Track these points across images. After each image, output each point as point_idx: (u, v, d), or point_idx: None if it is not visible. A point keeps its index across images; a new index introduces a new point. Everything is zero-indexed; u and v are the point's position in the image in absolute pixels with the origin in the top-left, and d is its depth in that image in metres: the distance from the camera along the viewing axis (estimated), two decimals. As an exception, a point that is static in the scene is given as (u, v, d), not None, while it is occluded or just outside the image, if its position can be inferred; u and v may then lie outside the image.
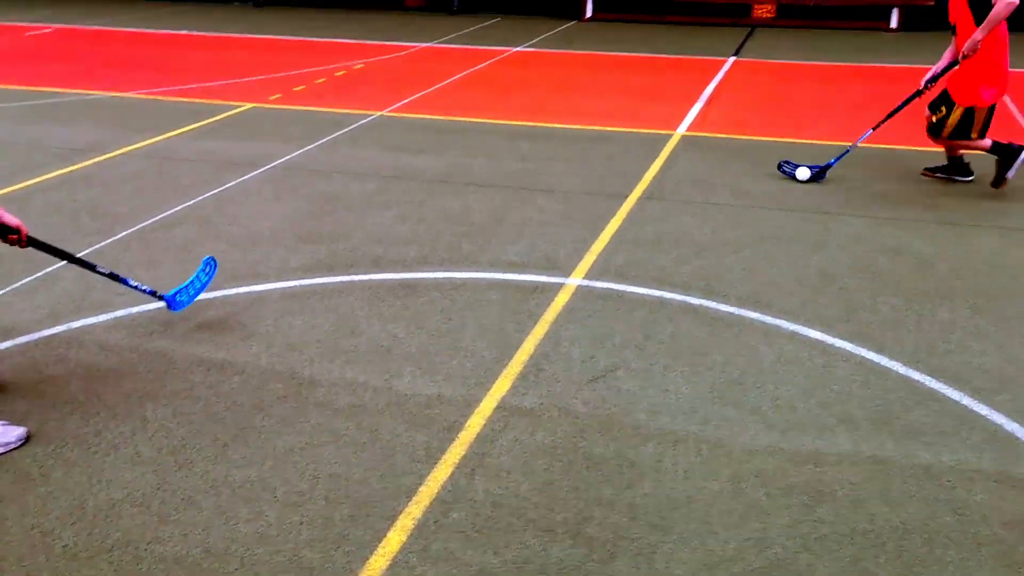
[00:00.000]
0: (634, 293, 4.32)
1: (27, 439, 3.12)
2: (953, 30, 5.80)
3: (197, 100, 8.56)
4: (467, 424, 3.25)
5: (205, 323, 4.03)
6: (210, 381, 3.55)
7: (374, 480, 2.94)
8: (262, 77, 9.67)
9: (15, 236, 3.33)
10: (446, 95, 8.94)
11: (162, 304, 4.02)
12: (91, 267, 3.79)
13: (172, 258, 4.74)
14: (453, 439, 3.15)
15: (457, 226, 5.24)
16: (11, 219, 3.31)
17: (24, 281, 4.40)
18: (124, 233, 5.10)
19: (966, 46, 5.55)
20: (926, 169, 6.19)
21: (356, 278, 4.53)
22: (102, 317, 4.08)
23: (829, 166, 6.11)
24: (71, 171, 6.29)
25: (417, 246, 4.93)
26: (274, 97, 8.69)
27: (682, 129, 7.50)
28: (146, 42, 12.32)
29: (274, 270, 4.61)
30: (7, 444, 3.08)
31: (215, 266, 4.20)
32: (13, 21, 14.18)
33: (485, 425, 3.24)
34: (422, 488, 2.89)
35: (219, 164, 6.47)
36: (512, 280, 4.49)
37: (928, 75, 5.91)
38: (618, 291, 4.35)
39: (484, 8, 15.67)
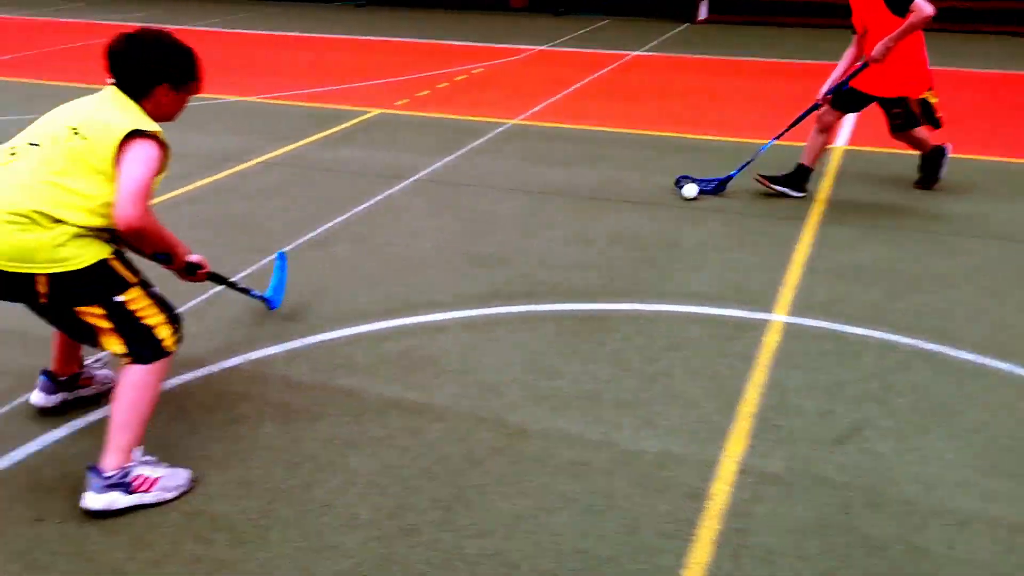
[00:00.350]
0: (853, 334, 3.90)
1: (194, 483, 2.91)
2: (863, 32, 5.43)
3: (322, 105, 8.36)
4: (711, 491, 2.88)
5: (389, 358, 3.74)
6: (411, 427, 3.25)
7: (626, 559, 2.59)
8: (382, 81, 9.45)
9: (203, 271, 3.26)
10: (576, 102, 8.58)
11: (271, 311, 4.13)
12: (246, 291, 3.86)
13: (335, 280, 4.48)
14: (701, 509, 2.79)
15: (629, 250, 4.88)
16: (195, 256, 3.21)
17: (191, 304, 4.18)
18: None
19: (877, 50, 5.16)
20: (761, 176, 5.74)
21: (538, 308, 4.20)
22: (279, 348, 3.82)
23: (730, 178, 5.77)
24: (216, 180, 6.11)
25: (595, 273, 4.58)
26: (400, 102, 8.44)
27: (842, 142, 7.00)
28: (255, 43, 12.25)
29: (449, 297, 4.30)
30: (179, 487, 2.85)
31: (285, 258, 4.26)
32: (115, 20, 14.31)
33: (732, 493, 2.87)
34: (684, 572, 2.54)
35: (361, 175, 6.22)
36: (709, 315, 4.11)
37: (825, 87, 5.55)
38: (833, 331, 3.93)
39: (588, 9, 15.27)
